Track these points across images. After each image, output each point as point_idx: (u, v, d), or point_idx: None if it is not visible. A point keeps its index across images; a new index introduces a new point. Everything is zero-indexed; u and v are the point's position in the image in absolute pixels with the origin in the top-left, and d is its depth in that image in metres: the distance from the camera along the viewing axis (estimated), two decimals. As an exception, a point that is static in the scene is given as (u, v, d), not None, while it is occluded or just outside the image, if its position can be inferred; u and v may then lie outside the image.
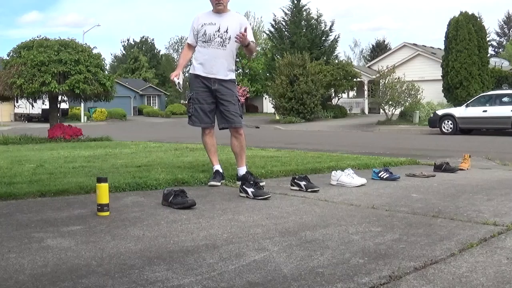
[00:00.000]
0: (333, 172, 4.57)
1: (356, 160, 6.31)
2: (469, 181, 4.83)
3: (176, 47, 71.89)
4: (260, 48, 46.25)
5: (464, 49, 24.33)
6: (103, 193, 3.20)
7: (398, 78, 25.40)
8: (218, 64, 4.49)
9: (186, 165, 5.60)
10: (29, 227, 2.87)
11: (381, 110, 27.92)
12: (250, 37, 4.49)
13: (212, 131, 4.69)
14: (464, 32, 24.38)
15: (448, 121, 18.67)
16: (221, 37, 4.48)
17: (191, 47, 4.69)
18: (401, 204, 3.58)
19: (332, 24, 37.72)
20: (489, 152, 8.84)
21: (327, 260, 2.25)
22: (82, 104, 31.77)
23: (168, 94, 58.84)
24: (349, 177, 4.43)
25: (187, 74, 4.85)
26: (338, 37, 38.20)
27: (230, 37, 4.49)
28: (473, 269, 2.14)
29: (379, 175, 4.82)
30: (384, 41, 61.39)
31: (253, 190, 3.79)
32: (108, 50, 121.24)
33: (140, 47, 67.69)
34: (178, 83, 4.62)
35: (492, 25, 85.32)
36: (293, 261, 2.24)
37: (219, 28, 4.47)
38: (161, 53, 71.37)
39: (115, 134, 15.62)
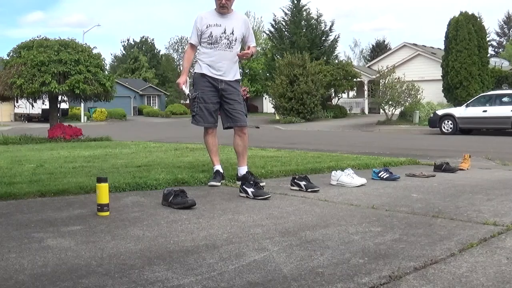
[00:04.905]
0: (333, 172, 4.57)
1: (356, 160, 6.32)
2: (469, 181, 4.82)
3: (176, 47, 71.90)
4: (260, 48, 46.24)
5: (464, 49, 24.33)
6: (103, 193, 3.20)
7: (398, 78, 25.42)
8: (226, 66, 4.52)
9: (186, 165, 5.60)
10: (29, 227, 2.87)
11: (381, 110, 27.94)
12: (252, 42, 4.66)
13: (215, 131, 4.69)
14: (464, 32, 24.39)
15: (448, 121, 18.68)
16: (228, 39, 4.49)
17: (194, 48, 4.68)
18: (401, 204, 3.58)
19: (332, 24, 37.75)
20: (489, 152, 8.83)
21: (327, 260, 2.25)
22: (82, 104, 31.75)
23: (168, 94, 58.85)
24: (349, 177, 4.43)
25: (189, 74, 4.85)
26: (338, 37, 38.21)
27: (236, 39, 4.53)
28: (473, 269, 2.13)
29: (379, 175, 4.82)
30: (384, 41, 61.50)
31: (253, 190, 3.79)
32: (108, 50, 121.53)
33: (140, 47, 67.66)
34: (188, 94, 4.61)
35: (492, 25, 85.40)
36: (293, 261, 2.24)
37: (225, 30, 4.48)
38: (161, 53, 71.37)
39: (115, 134, 15.62)
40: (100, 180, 3.23)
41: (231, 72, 4.55)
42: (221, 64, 4.50)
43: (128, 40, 69.02)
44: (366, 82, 35.24)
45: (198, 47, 4.67)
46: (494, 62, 28.21)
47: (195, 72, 4.66)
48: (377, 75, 28.05)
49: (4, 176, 4.65)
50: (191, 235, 2.70)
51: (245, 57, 4.60)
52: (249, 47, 4.60)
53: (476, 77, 24.48)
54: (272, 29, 38.66)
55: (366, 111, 36.70)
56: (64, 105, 17.22)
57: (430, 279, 2.01)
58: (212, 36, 4.49)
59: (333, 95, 34.39)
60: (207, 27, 4.50)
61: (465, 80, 24.42)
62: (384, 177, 4.78)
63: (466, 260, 2.26)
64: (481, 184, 4.58)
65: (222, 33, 4.48)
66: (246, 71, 49.24)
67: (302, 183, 4.15)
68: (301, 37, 35.79)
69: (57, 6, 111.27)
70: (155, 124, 33.43)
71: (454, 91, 24.74)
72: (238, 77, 4.66)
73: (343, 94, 35.61)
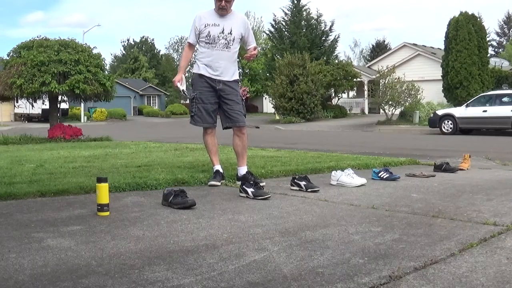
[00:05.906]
0: (333, 172, 4.57)
1: (356, 160, 6.31)
2: (469, 181, 4.82)
3: (176, 47, 71.91)
4: (260, 48, 46.23)
5: (464, 49, 24.32)
6: (103, 193, 3.20)
7: (398, 78, 25.41)
8: (223, 66, 4.52)
9: (186, 165, 5.60)
10: (29, 227, 2.87)
11: (381, 110, 27.93)
12: (252, 42, 4.66)
13: (214, 131, 4.70)
14: (464, 32, 24.37)
15: (448, 121, 18.68)
16: (226, 39, 4.49)
17: (192, 47, 4.68)
18: (401, 204, 3.58)
19: (332, 24, 37.74)
20: (489, 152, 8.83)
21: (327, 260, 2.25)
22: (82, 104, 31.72)
23: (168, 94, 58.85)
24: (349, 177, 4.43)
25: (188, 74, 4.86)
26: (338, 37, 38.20)
27: (234, 39, 4.52)
28: (473, 269, 2.13)
29: (379, 175, 4.82)
30: (384, 41, 61.50)
31: (253, 190, 3.79)
32: (108, 50, 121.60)
33: (140, 47, 67.70)
34: (183, 90, 4.61)
35: (492, 25, 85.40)
36: (293, 261, 2.24)
37: (223, 30, 4.48)
38: (161, 53, 71.45)
39: (115, 134, 15.62)
40: (100, 180, 3.23)
41: (229, 72, 4.55)
42: (218, 64, 4.49)
43: (128, 40, 69.19)
44: (366, 82, 35.23)
45: (196, 47, 4.68)
46: (494, 62, 28.20)
47: (193, 73, 4.66)
48: (377, 75, 28.04)
49: (4, 176, 4.65)
50: (191, 235, 2.70)
51: (252, 58, 4.60)
52: (255, 48, 4.60)
53: (476, 77, 24.47)
54: (272, 29, 38.64)
55: (366, 111, 36.69)
56: (64, 105, 17.20)
57: (430, 279, 2.01)
58: (210, 36, 4.49)
59: (333, 95, 34.39)
60: (205, 27, 4.50)
61: (465, 80, 24.40)
62: (384, 177, 4.78)
63: (466, 260, 2.26)
64: (481, 184, 4.58)
65: (220, 33, 4.48)
66: (246, 71, 49.23)
67: (302, 183, 4.15)
68: (301, 37, 35.78)
69: (57, 6, 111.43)
70: (155, 124, 33.42)
71: (454, 91, 24.73)
72: (237, 77, 4.65)
73: (343, 94, 35.60)
